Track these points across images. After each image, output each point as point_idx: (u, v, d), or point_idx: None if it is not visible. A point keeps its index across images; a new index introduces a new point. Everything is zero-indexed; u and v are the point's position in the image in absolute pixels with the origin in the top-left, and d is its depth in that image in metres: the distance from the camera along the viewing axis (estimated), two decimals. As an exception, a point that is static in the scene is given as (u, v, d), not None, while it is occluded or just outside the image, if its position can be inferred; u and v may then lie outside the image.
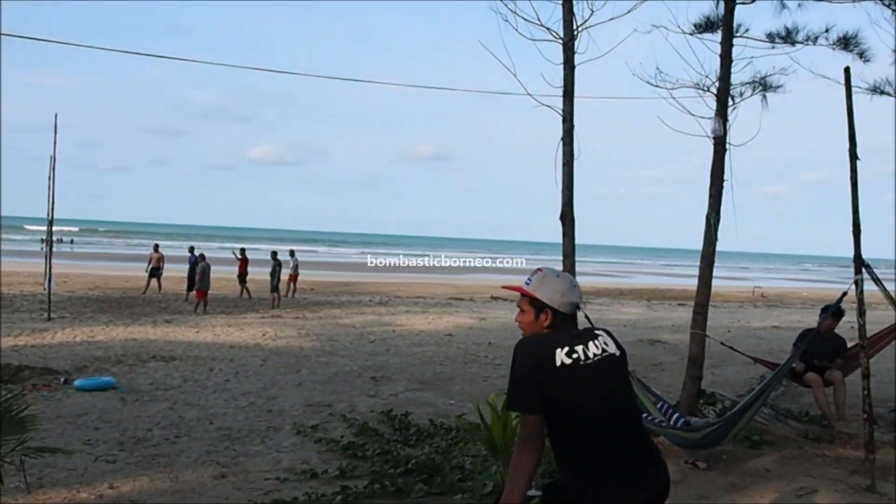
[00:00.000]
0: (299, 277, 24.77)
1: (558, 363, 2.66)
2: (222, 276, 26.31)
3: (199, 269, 20.50)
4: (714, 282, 7.70)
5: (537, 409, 2.65)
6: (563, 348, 2.70)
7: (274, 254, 22.91)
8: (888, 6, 7.83)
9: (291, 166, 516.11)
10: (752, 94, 7.55)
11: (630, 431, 2.75)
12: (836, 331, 8.30)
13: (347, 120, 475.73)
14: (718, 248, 7.36)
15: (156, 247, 25.77)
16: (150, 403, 8.52)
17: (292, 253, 25.33)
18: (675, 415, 6.20)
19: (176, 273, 25.69)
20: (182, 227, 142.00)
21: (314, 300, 23.67)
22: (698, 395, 7.11)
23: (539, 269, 2.92)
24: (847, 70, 5.82)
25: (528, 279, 2.90)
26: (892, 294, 6.17)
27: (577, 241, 6.82)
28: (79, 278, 27.64)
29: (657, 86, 7.36)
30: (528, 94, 6.63)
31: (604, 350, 2.78)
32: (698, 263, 7.53)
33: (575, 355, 2.70)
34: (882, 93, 8.73)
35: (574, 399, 2.66)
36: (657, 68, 7.41)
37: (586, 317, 6.81)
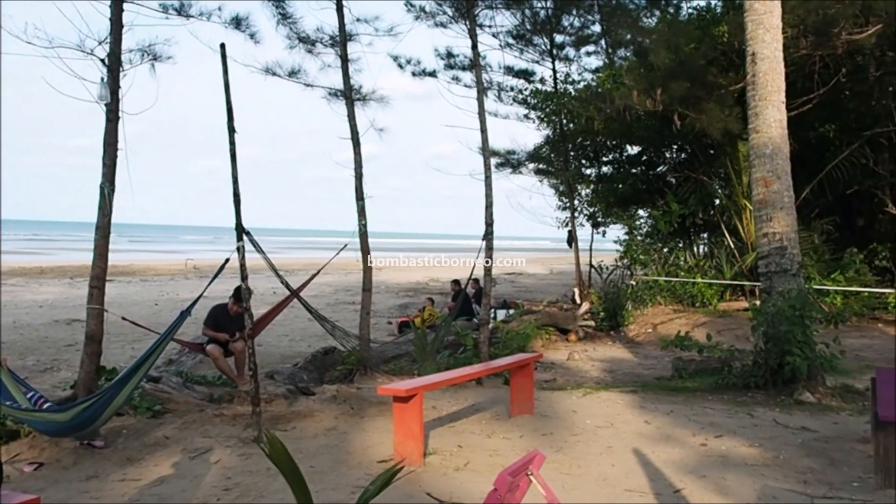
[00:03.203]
0: None
1: None
2: None
3: None
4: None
5: None
6: None
7: None
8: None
9: None
10: (141, 62, 7.44)
11: None
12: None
13: None
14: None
15: None
16: None
17: None
18: (47, 403, 5.90)
19: None
20: None
21: None
22: (98, 372, 6.84)
23: None
24: (223, 46, 6.10)
25: None
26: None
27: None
28: None
29: (29, 42, 6.71)
30: None
31: None
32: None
33: None
34: (274, 74, 9.59)
35: None
36: (27, 22, 6.82)
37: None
